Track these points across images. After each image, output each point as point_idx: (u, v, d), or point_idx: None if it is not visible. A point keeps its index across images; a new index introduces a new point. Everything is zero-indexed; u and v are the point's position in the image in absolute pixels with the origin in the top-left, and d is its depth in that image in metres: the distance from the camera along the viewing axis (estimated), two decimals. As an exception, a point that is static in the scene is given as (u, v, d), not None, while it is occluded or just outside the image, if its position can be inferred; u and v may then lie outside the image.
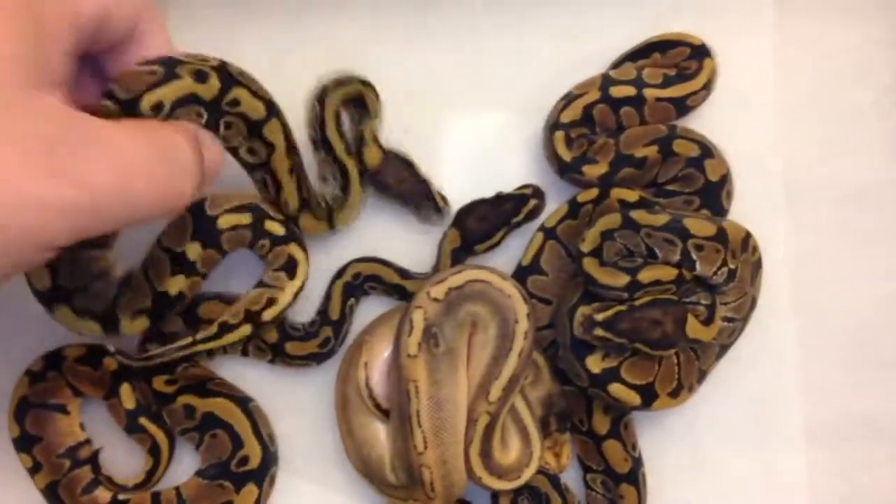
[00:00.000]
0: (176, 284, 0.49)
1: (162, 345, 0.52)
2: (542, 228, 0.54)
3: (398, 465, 0.51)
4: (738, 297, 0.53)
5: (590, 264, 0.50)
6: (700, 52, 0.56)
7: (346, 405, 0.53)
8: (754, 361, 0.56)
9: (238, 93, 0.46)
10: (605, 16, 0.58)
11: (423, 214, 0.55)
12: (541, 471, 0.52)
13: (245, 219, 0.51)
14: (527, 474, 0.51)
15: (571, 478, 0.55)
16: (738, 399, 0.56)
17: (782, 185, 0.57)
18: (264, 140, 0.48)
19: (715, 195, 0.54)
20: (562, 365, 0.52)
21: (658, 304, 0.49)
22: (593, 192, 0.54)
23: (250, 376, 0.55)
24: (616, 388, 0.50)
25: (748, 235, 0.51)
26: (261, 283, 0.52)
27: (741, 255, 0.51)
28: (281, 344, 0.54)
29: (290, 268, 0.52)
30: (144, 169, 0.37)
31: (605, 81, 0.55)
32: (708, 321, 0.50)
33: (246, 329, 0.51)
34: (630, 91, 0.55)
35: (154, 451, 0.53)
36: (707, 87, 0.55)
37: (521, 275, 0.54)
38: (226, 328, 0.51)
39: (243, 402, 0.54)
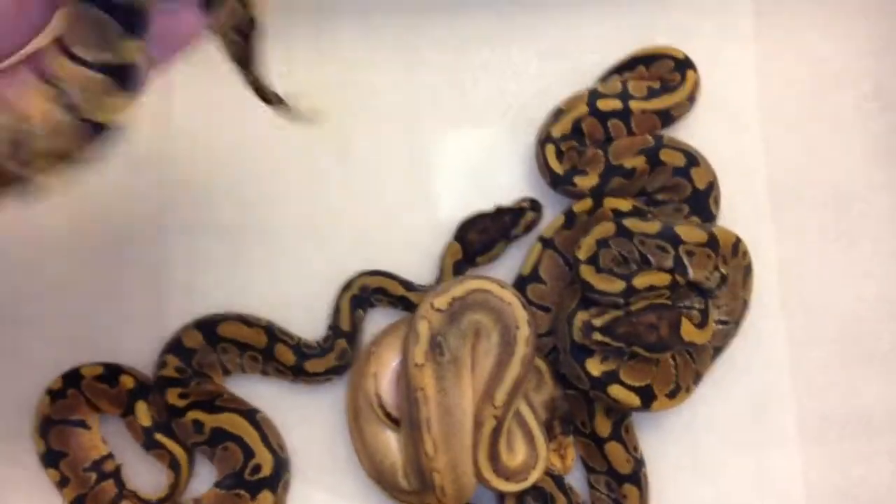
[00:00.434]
0: None
1: (181, 357, 0.54)
2: (540, 239, 0.57)
3: (410, 470, 0.53)
4: (730, 301, 0.55)
5: (587, 271, 0.52)
6: (683, 65, 0.58)
7: (357, 415, 0.55)
8: (748, 362, 0.58)
9: None
10: (591, 31, 0.60)
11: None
12: (546, 472, 0.54)
13: None
14: (533, 476, 0.53)
15: (575, 479, 0.57)
16: (734, 399, 0.58)
17: (768, 190, 0.59)
18: None
19: (703, 202, 0.56)
20: (563, 369, 0.54)
21: (653, 309, 0.51)
22: (588, 203, 0.56)
23: (262, 390, 0.57)
24: (616, 390, 0.52)
25: (738, 240, 0.54)
26: None
27: (732, 259, 0.53)
28: (300, 364, 0.56)
29: None
30: None
31: (592, 96, 0.57)
32: (702, 324, 0.52)
33: None
34: (616, 104, 0.57)
35: (174, 465, 0.54)
36: (691, 98, 0.58)
37: (520, 284, 0.56)
38: None
39: (250, 415, 0.56)
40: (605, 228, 0.53)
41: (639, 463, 0.55)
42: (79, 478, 0.54)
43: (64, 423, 0.55)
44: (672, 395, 0.53)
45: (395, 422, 0.54)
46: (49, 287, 0.57)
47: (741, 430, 0.58)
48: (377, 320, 0.58)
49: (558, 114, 0.58)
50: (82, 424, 0.55)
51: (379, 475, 0.54)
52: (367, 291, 0.57)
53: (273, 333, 0.56)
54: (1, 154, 0.29)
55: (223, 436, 0.55)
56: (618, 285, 0.51)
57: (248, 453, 0.54)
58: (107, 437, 0.56)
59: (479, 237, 0.56)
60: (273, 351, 0.55)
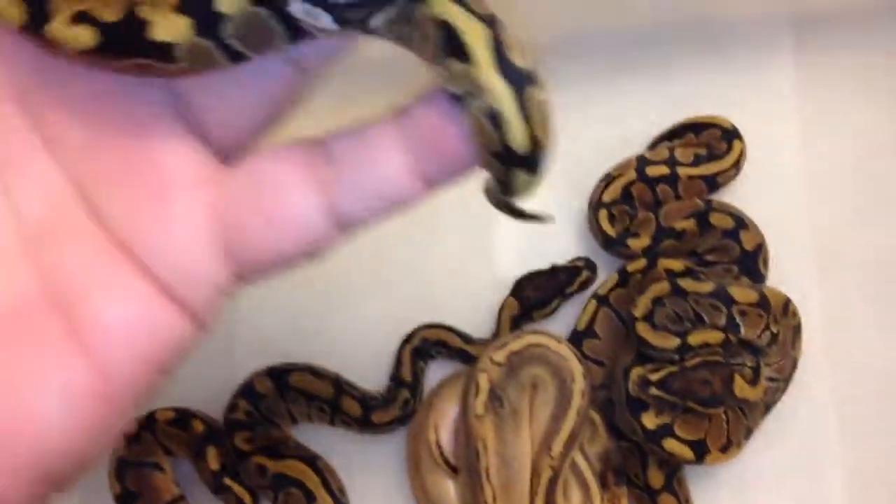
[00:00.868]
0: None
1: (252, 402, 0.57)
2: (594, 296, 0.59)
3: None
4: (780, 359, 0.57)
5: (643, 328, 0.54)
6: (730, 134, 0.61)
7: (418, 463, 0.57)
8: (795, 417, 0.59)
9: None
10: (641, 101, 0.64)
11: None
12: (600, 522, 0.56)
13: None
14: (589, 525, 0.54)
15: (627, 531, 0.59)
16: (783, 452, 0.59)
17: (813, 253, 0.61)
18: None
19: (752, 264, 0.58)
20: (618, 422, 0.56)
21: (707, 366, 0.53)
22: (641, 263, 0.58)
23: (324, 437, 0.60)
24: (670, 444, 0.54)
25: (788, 301, 0.56)
26: None
27: (782, 319, 0.55)
28: (366, 416, 0.58)
29: None
30: None
31: (641, 162, 0.61)
32: (754, 381, 0.54)
33: None
34: (664, 170, 0.60)
35: (243, 509, 0.57)
36: (736, 166, 0.61)
37: (576, 339, 0.59)
38: None
39: (313, 461, 0.58)
40: (661, 288, 0.55)
41: (690, 515, 0.57)
42: (154, 519, 0.57)
43: (139, 465, 0.57)
44: (724, 450, 0.55)
45: (454, 470, 0.56)
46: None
47: (790, 483, 0.59)
48: (437, 372, 0.60)
49: (608, 179, 0.61)
50: (157, 467, 0.57)
51: (438, 522, 0.56)
52: (428, 344, 0.59)
53: (340, 386, 0.58)
54: None
55: (286, 481, 0.57)
56: (673, 342, 0.54)
57: (311, 498, 0.56)
58: (179, 479, 0.58)
59: (535, 294, 0.59)
60: (340, 403, 0.58)
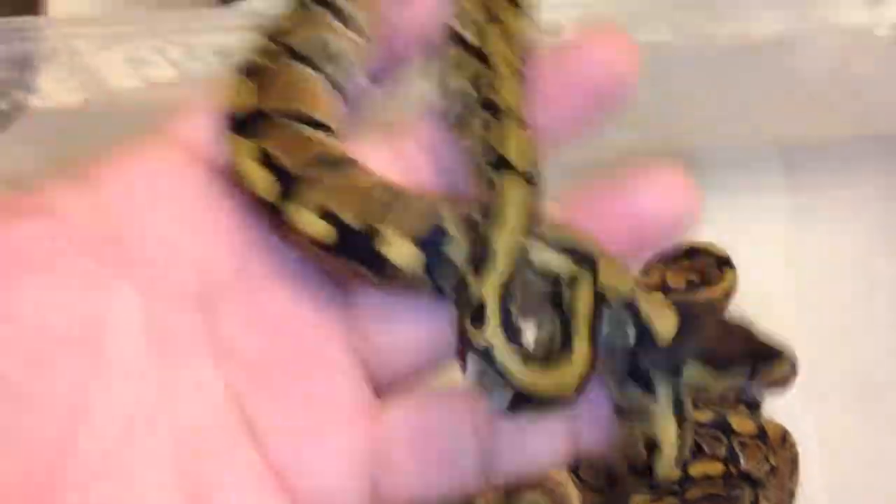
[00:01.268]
0: None
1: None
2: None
3: None
4: (777, 492, 0.56)
5: (643, 457, 0.54)
6: (723, 263, 0.62)
7: None
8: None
9: None
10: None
11: None
12: None
13: None
14: None
15: None
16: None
17: (806, 378, 0.62)
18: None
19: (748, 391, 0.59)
20: (617, 552, 0.55)
21: (708, 499, 0.53)
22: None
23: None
24: (671, 575, 0.53)
25: (785, 432, 0.56)
26: None
27: (780, 450, 0.55)
28: None
29: None
30: None
31: (634, 286, 0.61)
32: (753, 515, 0.54)
33: None
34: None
35: None
36: (727, 294, 0.62)
37: (573, 464, 0.58)
38: None
39: None
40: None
41: None
42: None
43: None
44: (724, 580, 0.54)
45: None
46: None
47: None
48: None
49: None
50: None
51: None
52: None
53: None
54: None
55: None
56: (674, 472, 0.53)
57: None
58: None
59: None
60: None
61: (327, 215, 0.28)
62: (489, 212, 0.27)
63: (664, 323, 0.27)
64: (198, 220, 0.29)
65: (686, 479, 0.53)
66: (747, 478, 0.55)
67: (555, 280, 0.28)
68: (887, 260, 0.64)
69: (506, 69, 0.30)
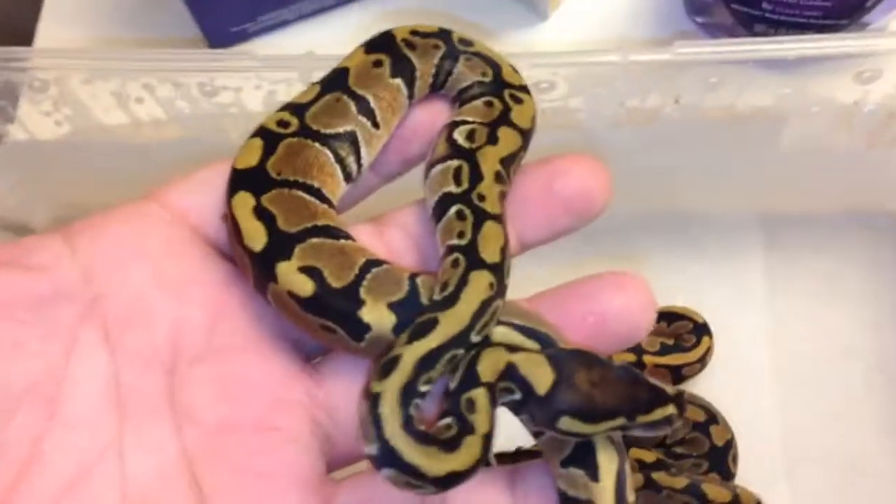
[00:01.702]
0: None
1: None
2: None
3: None
4: (751, 563, 0.56)
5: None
6: (701, 329, 0.62)
7: None
8: None
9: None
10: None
11: None
12: None
13: None
14: None
15: None
16: None
17: (782, 451, 0.62)
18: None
19: (722, 459, 0.58)
20: None
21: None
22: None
23: None
24: None
25: (759, 501, 0.55)
26: None
27: (754, 521, 0.55)
28: None
29: None
30: None
31: (608, 349, 0.61)
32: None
33: None
34: (631, 357, 0.61)
35: None
36: (702, 361, 0.62)
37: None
38: None
39: None
40: (634, 480, 0.54)
41: None
42: None
43: None
44: None
45: None
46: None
47: None
48: None
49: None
50: None
51: None
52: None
53: None
54: None
55: None
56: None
57: None
58: None
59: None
60: None
61: (309, 271, 0.29)
62: (450, 294, 0.30)
63: (540, 379, 0.30)
64: (178, 282, 0.30)
65: (659, 548, 0.52)
66: (720, 548, 0.54)
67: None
68: (864, 333, 0.64)
69: (491, 173, 0.33)
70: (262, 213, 0.30)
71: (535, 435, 0.32)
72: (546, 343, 0.31)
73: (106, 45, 0.64)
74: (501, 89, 0.36)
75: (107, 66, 0.51)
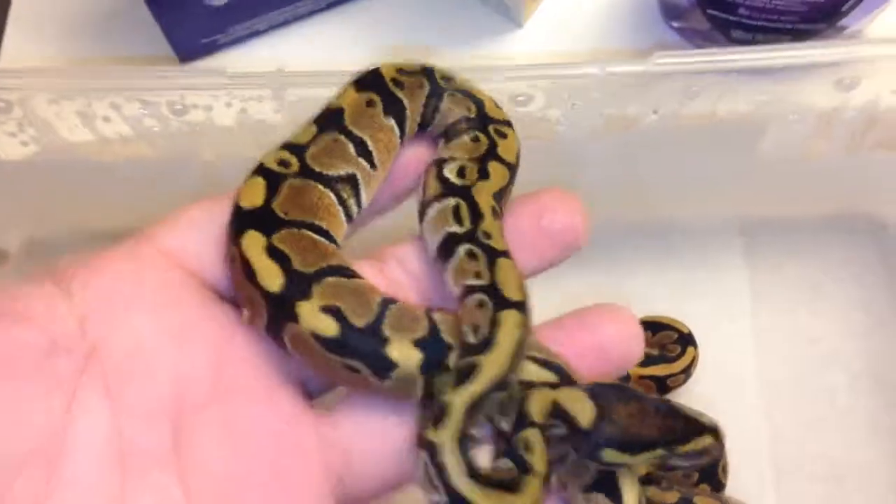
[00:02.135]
0: None
1: None
2: None
3: None
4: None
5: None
6: (685, 340, 0.62)
7: None
8: None
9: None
10: (595, 297, 0.64)
11: None
12: None
13: None
14: None
15: None
16: None
17: (769, 460, 0.61)
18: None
19: (712, 470, 0.57)
20: None
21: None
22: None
23: None
24: None
25: (751, 516, 0.55)
26: None
27: (745, 534, 0.54)
28: None
29: None
30: None
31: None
32: None
33: None
34: (616, 370, 0.60)
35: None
36: (686, 371, 0.61)
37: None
38: None
39: None
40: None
41: None
42: None
43: None
44: None
45: None
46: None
47: None
48: None
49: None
50: None
51: None
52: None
53: None
54: None
55: None
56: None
57: None
58: None
59: None
60: None
61: (331, 311, 0.29)
62: (487, 338, 0.30)
63: (583, 414, 0.31)
64: (178, 329, 0.29)
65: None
66: (712, 562, 0.54)
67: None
68: (848, 339, 0.64)
69: (488, 209, 0.34)
70: (274, 253, 0.30)
71: (552, 462, 0.32)
72: (562, 375, 0.32)
73: (73, 62, 0.62)
74: (486, 124, 0.37)
75: (72, 85, 0.50)
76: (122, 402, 0.28)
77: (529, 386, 0.32)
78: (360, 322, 0.29)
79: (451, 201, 0.34)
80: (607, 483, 0.33)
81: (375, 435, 0.31)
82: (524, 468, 0.30)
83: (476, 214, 0.33)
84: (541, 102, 0.50)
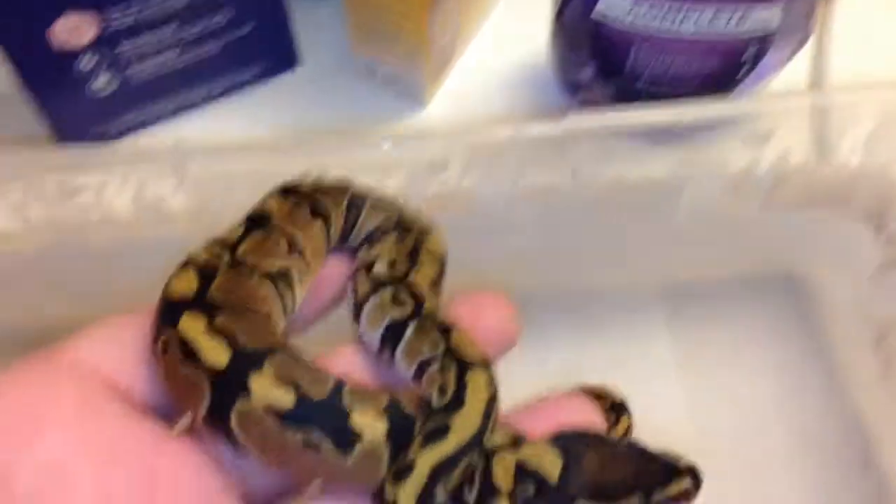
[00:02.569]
0: None
1: None
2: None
3: None
4: None
5: None
6: (618, 408, 0.60)
7: None
8: None
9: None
10: (522, 369, 0.62)
11: None
12: None
13: None
14: None
15: None
16: None
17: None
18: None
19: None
20: None
21: None
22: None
23: None
24: None
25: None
26: None
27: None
28: None
29: None
30: None
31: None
32: None
33: None
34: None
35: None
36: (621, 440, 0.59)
37: None
38: None
39: None
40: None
41: None
42: None
43: None
44: None
45: None
46: None
47: None
48: None
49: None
50: None
51: None
52: None
53: None
54: None
55: None
56: None
57: None
58: None
59: None
60: None
61: (287, 382, 0.27)
62: (454, 397, 0.29)
63: (550, 468, 0.30)
64: (100, 445, 0.26)
65: None
66: None
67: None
68: (775, 397, 0.63)
69: (427, 291, 0.33)
70: (218, 332, 0.27)
71: None
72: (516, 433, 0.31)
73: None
74: (409, 227, 0.37)
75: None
76: None
77: (492, 453, 0.30)
78: (318, 394, 0.27)
79: (388, 290, 0.33)
80: None
81: None
82: None
83: (416, 296, 0.32)
84: (456, 170, 0.49)
